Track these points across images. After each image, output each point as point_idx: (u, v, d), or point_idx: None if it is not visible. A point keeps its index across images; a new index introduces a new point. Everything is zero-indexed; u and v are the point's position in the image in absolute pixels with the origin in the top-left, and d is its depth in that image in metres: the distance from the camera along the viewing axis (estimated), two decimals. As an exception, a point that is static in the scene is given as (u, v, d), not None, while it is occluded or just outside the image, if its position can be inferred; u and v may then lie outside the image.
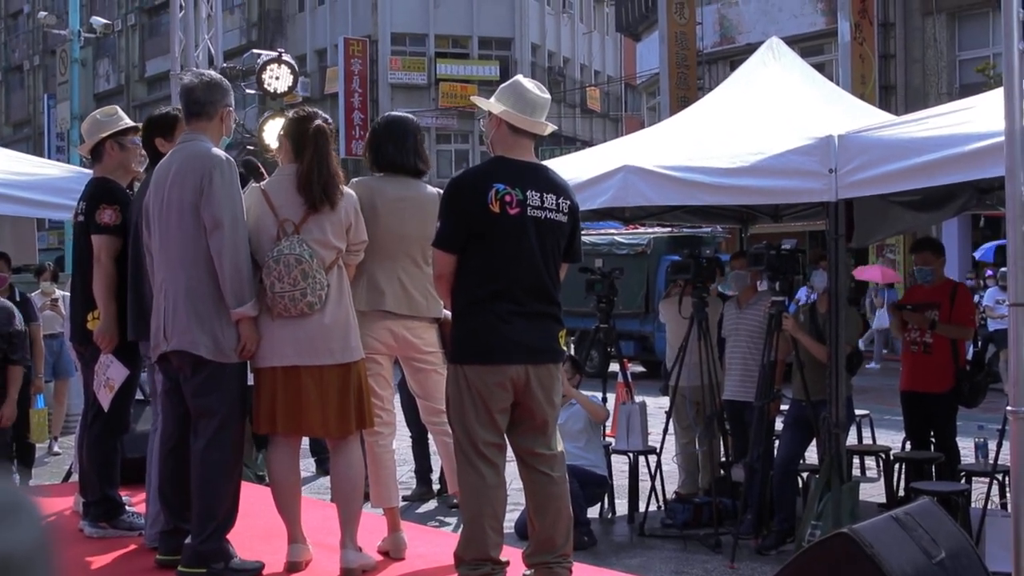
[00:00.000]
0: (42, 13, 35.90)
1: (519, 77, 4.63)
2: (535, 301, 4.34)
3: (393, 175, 5.05)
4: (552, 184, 4.49)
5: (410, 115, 5.45)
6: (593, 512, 7.76)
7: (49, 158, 21.08)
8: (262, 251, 4.59)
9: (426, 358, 5.05)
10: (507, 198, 4.28)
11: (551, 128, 4.58)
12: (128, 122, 5.78)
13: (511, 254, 4.28)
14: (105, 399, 5.44)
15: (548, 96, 4.57)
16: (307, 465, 8.89)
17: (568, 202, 4.50)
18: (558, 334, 4.53)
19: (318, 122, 4.76)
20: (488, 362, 4.27)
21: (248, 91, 8.99)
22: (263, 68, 8.52)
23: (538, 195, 4.36)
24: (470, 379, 4.27)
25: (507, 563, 4.35)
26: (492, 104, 4.45)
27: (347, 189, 4.77)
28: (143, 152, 5.66)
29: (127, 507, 5.67)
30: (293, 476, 4.84)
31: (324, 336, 4.56)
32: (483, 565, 4.23)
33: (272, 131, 7.73)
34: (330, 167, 4.67)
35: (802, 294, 10.63)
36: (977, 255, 20.08)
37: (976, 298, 15.38)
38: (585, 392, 7.97)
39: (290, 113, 5.37)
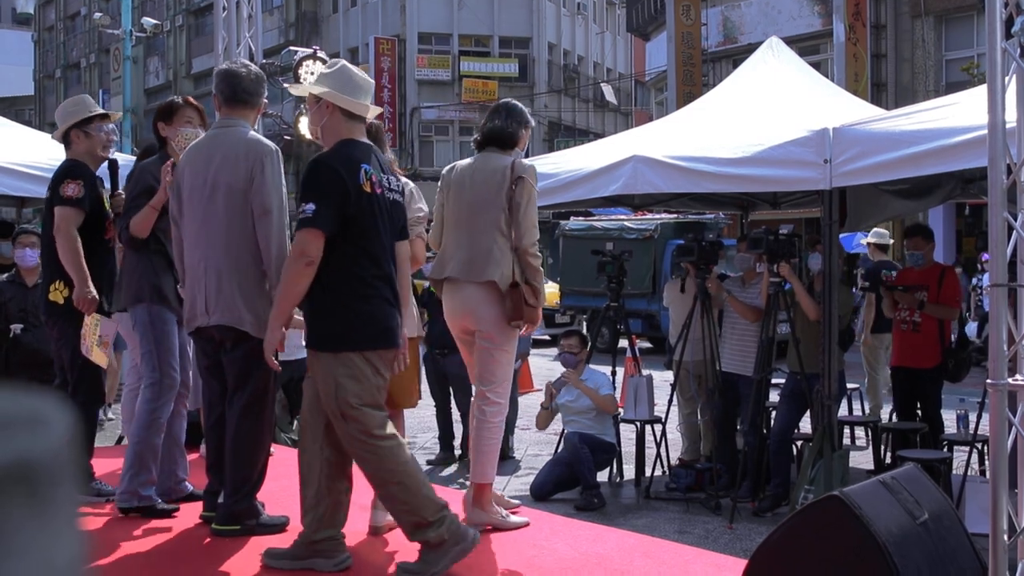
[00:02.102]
0: (97, 14, 36.09)
1: (344, 62, 4.26)
2: (395, 280, 4.09)
3: (482, 152, 4.98)
4: (388, 166, 4.24)
5: (509, 100, 5.19)
6: (602, 476, 7.77)
7: (103, 148, 21.12)
8: None
9: (482, 334, 4.85)
10: (373, 178, 3.97)
11: (378, 111, 4.35)
12: (93, 111, 5.47)
13: (384, 235, 3.98)
14: (101, 358, 5.31)
15: (372, 81, 4.36)
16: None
17: (400, 183, 4.27)
18: None
19: None
20: (392, 346, 4.01)
21: (285, 85, 8.97)
22: (299, 64, 8.51)
23: (386, 176, 4.10)
24: (375, 364, 3.95)
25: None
26: (315, 88, 4.11)
27: (404, 177, 4.67)
28: (112, 138, 5.49)
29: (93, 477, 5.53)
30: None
31: None
32: (444, 511, 4.01)
33: (307, 123, 7.74)
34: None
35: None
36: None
37: (974, 280, 15.36)
38: (595, 366, 7.96)
39: None
